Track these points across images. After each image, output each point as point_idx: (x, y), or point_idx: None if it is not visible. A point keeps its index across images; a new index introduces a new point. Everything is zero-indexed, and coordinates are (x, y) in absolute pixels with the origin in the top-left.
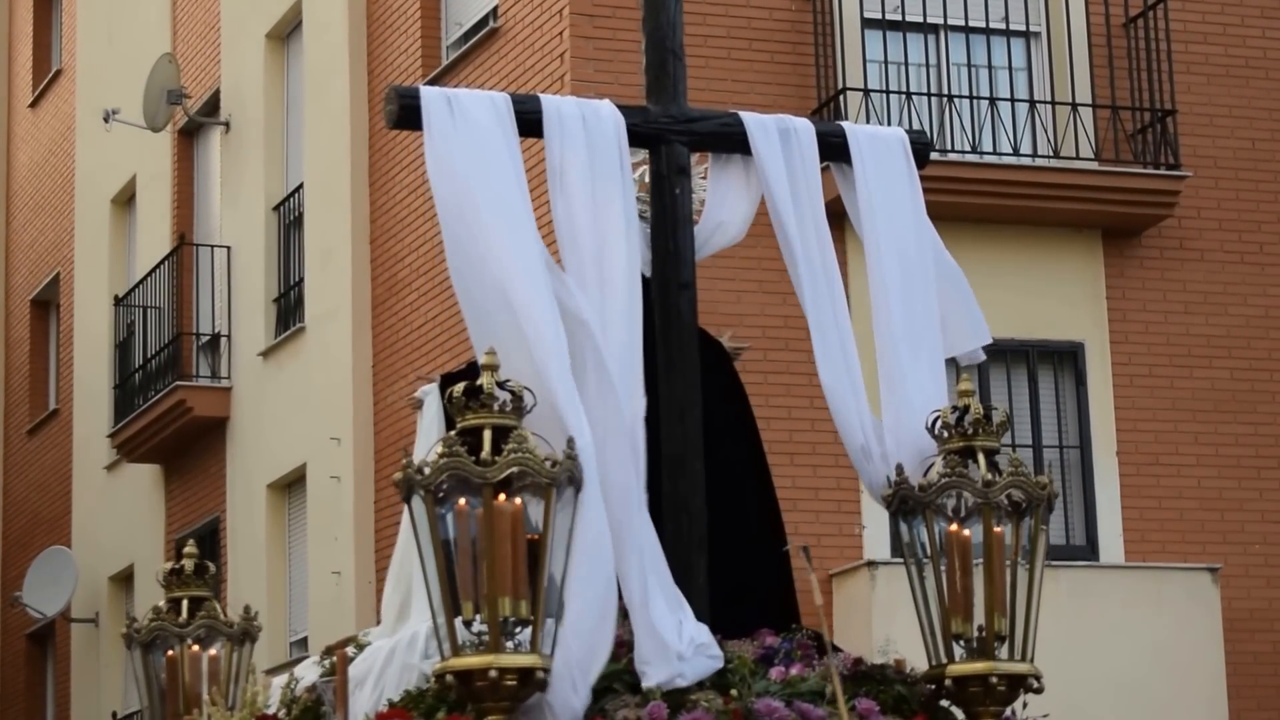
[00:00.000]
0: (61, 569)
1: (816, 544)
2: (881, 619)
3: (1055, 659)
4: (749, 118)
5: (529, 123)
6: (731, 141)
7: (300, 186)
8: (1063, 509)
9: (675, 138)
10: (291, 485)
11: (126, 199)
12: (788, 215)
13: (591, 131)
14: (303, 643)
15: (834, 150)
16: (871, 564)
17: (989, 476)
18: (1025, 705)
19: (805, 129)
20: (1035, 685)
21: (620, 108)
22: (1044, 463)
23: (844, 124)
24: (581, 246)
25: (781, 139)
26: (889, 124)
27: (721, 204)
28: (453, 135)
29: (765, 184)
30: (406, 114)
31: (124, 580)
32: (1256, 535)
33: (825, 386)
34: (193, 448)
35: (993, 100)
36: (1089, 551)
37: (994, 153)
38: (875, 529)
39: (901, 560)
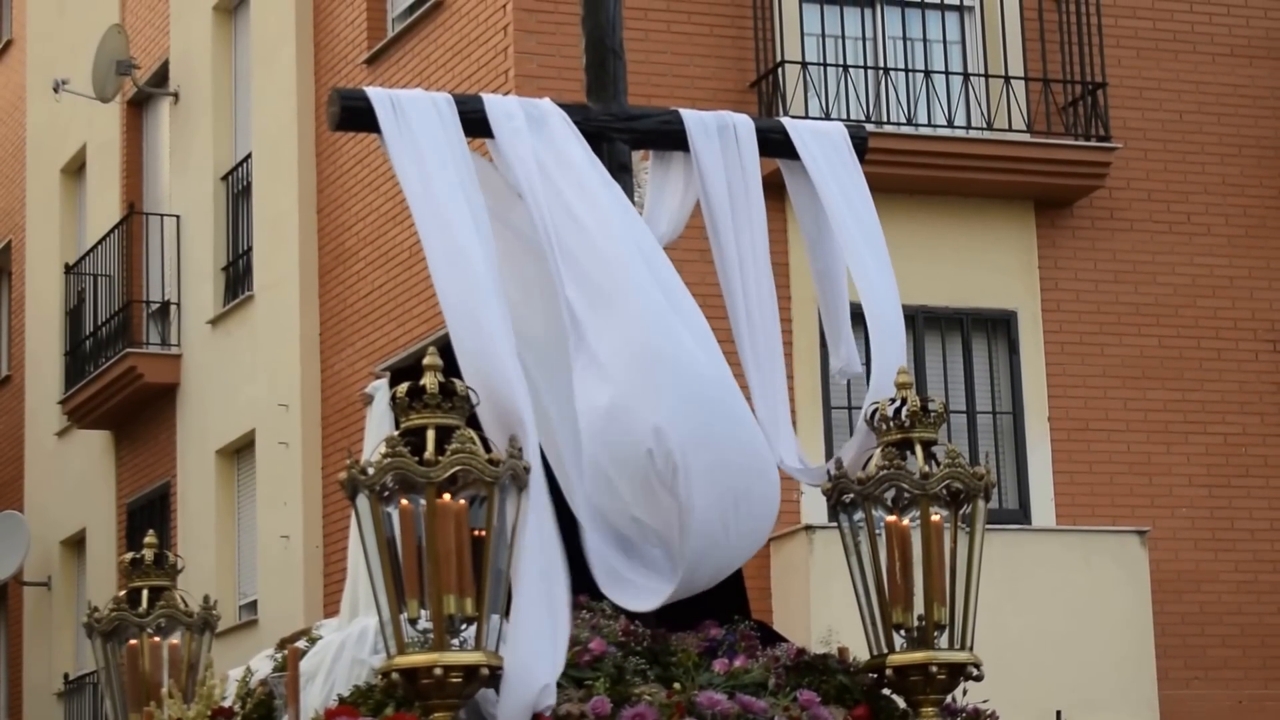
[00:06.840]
0: (14, 533)
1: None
2: (819, 583)
3: (987, 621)
4: (689, 116)
5: (471, 122)
6: (672, 139)
7: (248, 156)
8: (995, 474)
9: (616, 136)
10: (240, 451)
11: (76, 168)
12: (724, 221)
13: (536, 128)
14: (252, 606)
15: (775, 146)
16: (809, 528)
17: (927, 468)
18: (965, 693)
19: (745, 126)
20: (975, 674)
21: (561, 105)
22: (977, 428)
23: (784, 120)
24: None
25: (720, 137)
26: (826, 96)
27: (661, 202)
28: (398, 139)
29: (702, 188)
30: (349, 116)
31: (75, 544)
32: (1183, 499)
33: (754, 398)
34: (143, 414)
35: (927, 73)
36: (1021, 515)
37: (929, 125)
38: (813, 494)
39: (839, 524)
